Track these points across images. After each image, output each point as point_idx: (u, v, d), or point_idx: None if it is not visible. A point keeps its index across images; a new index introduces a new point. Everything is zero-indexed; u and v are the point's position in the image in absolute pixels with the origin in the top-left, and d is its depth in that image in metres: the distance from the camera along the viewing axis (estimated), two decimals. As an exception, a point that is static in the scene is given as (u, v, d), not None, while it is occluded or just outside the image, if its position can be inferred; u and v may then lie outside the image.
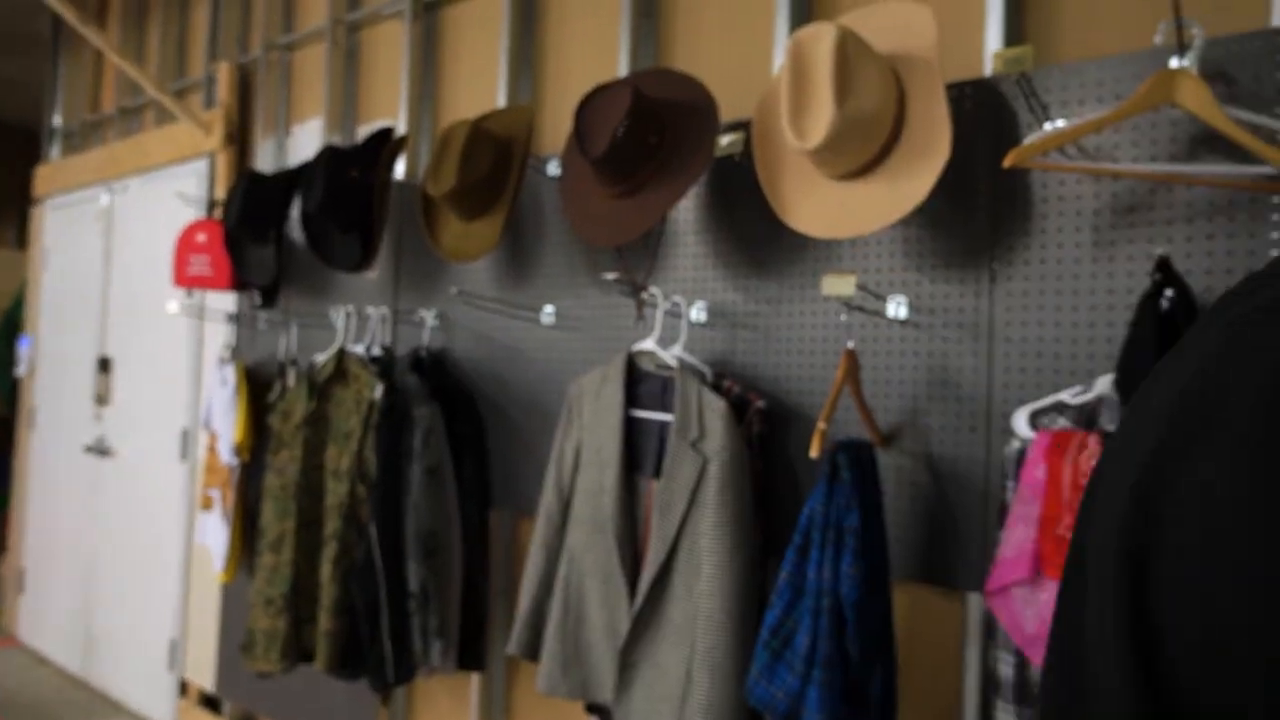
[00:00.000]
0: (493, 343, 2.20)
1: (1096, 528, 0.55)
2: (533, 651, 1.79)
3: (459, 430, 2.15)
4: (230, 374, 2.74)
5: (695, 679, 1.50)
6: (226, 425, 2.70)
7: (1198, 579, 0.40)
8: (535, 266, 2.11)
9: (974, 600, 1.44)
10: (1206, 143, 1.24)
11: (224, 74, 3.18)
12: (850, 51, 1.34)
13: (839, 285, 1.41)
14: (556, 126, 2.18)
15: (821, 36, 1.35)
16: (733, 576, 1.51)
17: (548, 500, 1.80)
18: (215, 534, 2.70)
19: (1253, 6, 1.28)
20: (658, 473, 1.64)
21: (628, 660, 1.62)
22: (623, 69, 2.00)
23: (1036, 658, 1.21)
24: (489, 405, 2.19)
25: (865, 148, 1.39)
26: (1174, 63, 1.20)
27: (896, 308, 1.53)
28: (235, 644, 2.90)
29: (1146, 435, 0.45)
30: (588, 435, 1.75)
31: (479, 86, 2.39)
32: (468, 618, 2.11)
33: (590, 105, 1.69)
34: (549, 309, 2.07)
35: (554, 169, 2.04)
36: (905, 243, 1.53)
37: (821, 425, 1.41)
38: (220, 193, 3.09)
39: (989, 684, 1.32)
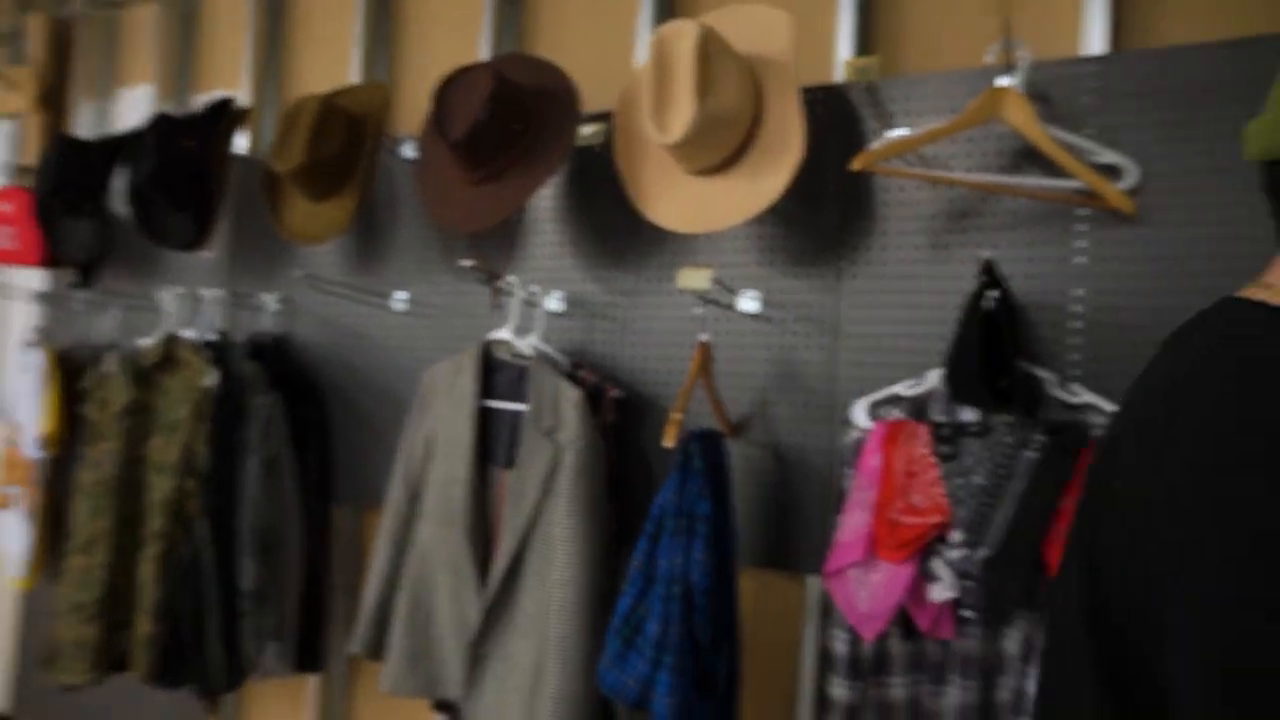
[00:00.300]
0: (340, 329, 2.10)
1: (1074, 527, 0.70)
2: (376, 650, 1.72)
3: (301, 421, 2.04)
4: (36, 359, 2.48)
5: (547, 669, 1.49)
6: (30, 416, 2.45)
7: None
8: (388, 251, 2.04)
9: (814, 582, 1.50)
10: (1028, 157, 1.34)
11: (37, 27, 2.89)
12: (712, 50, 1.37)
13: (695, 279, 1.44)
14: (413, 107, 2.11)
15: (684, 33, 1.37)
16: (585, 565, 1.51)
17: (396, 492, 1.74)
18: (14, 536, 2.44)
19: (1068, 35, 1.41)
20: (511, 463, 1.62)
21: (478, 653, 1.59)
22: (485, 52, 1.97)
23: (869, 634, 1.28)
24: (335, 395, 2.10)
25: (724, 145, 1.43)
26: (1002, 81, 1.30)
27: (749, 302, 1.57)
28: (35, 657, 2.63)
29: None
30: (441, 425, 1.70)
31: (331, 60, 2.28)
32: (307, 617, 2.01)
33: (451, 87, 1.64)
34: (402, 295, 2.00)
35: (409, 151, 1.97)
36: (759, 239, 1.58)
37: (676, 416, 1.43)
38: (30, 158, 2.80)
39: (825, 661, 1.38)
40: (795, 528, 1.51)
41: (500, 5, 1.97)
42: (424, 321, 1.97)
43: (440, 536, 1.66)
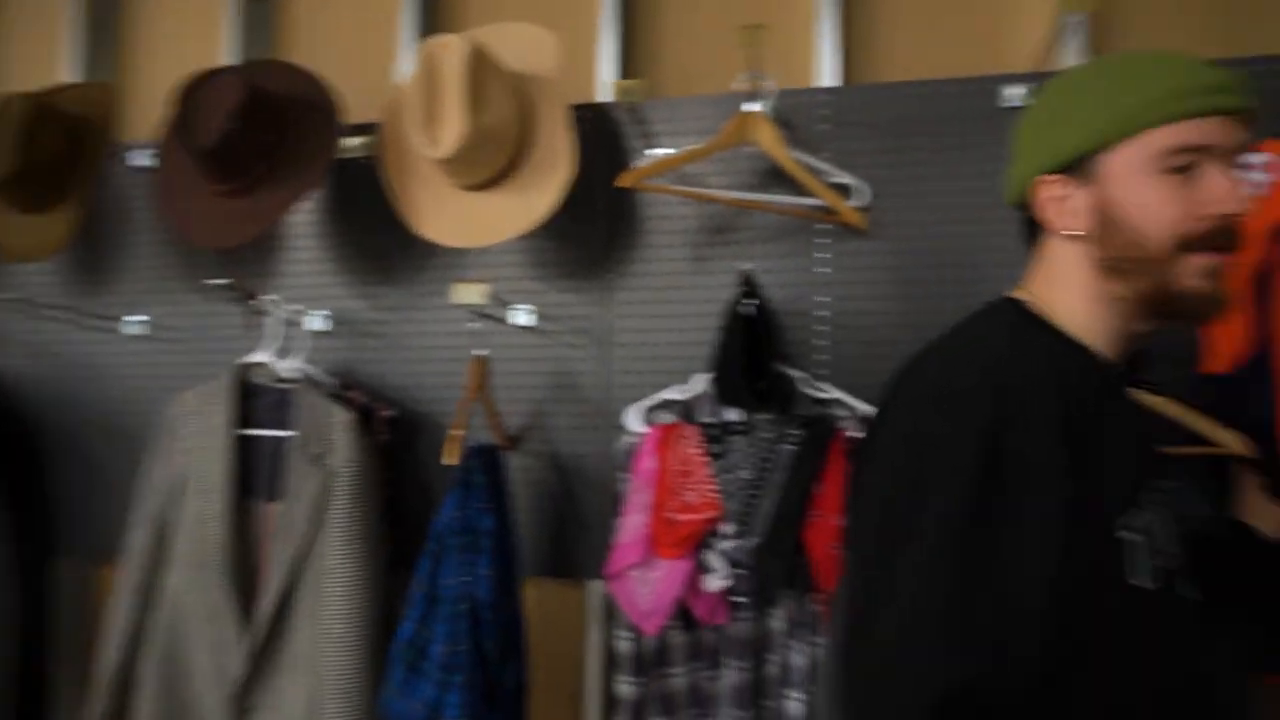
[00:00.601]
0: (59, 359, 1.85)
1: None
2: None
3: (6, 467, 1.77)
4: None
5: (324, 710, 1.40)
6: None
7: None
8: (117, 270, 1.83)
9: (596, 587, 1.53)
10: (776, 176, 1.47)
11: None
12: (481, 65, 1.37)
13: (469, 293, 1.43)
14: (143, 111, 1.92)
15: (453, 48, 1.37)
16: (362, 595, 1.44)
17: (138, 538, 1.56)
18: None
19: (805, 67, 1.57)
20: (275, 495, 1.51)
21: (245, 706, 1.46)
22: (230, 56, 1.83)
23: (651, 629, 1.33)
24: (54, 434, 1.84)
25: (494, 160, 1.44)
26: (751, 107, 1.42)
27: (523, 316, 1.58)
28: None
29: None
30: (192, 459, 1.55)
31: (41, 55, 2.02)
32: (24, 692, 1.74)
33: (196, 92, 1.52)
34: (136, 319, 1.80)
35: (141, 159, 1.79)
36: (531, 253, 1.60)
37: (456, 433, 1.41)
38: None
39: (611, 661, 1.41)
40: (576, 535, 1.53)
41: (247, 4, 1.85)
42: (165, 347, 1.78)
43: (194, 582, 1.51)
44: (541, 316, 1.58)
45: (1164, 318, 0.80)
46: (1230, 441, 1.14)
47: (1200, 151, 0.75)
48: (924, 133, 1.46)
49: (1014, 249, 1.39)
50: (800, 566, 1.33)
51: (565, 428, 1.56)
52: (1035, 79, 1.41)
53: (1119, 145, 0.77)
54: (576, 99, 1.60)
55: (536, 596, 1.58)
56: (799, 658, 1.39)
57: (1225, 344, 1.25)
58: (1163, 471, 0.81)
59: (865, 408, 1.36)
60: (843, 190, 1.46)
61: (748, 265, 1.37)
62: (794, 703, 1.35)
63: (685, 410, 1.43)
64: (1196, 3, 1.50)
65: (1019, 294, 0.87)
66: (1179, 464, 0.90)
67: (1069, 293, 0.83)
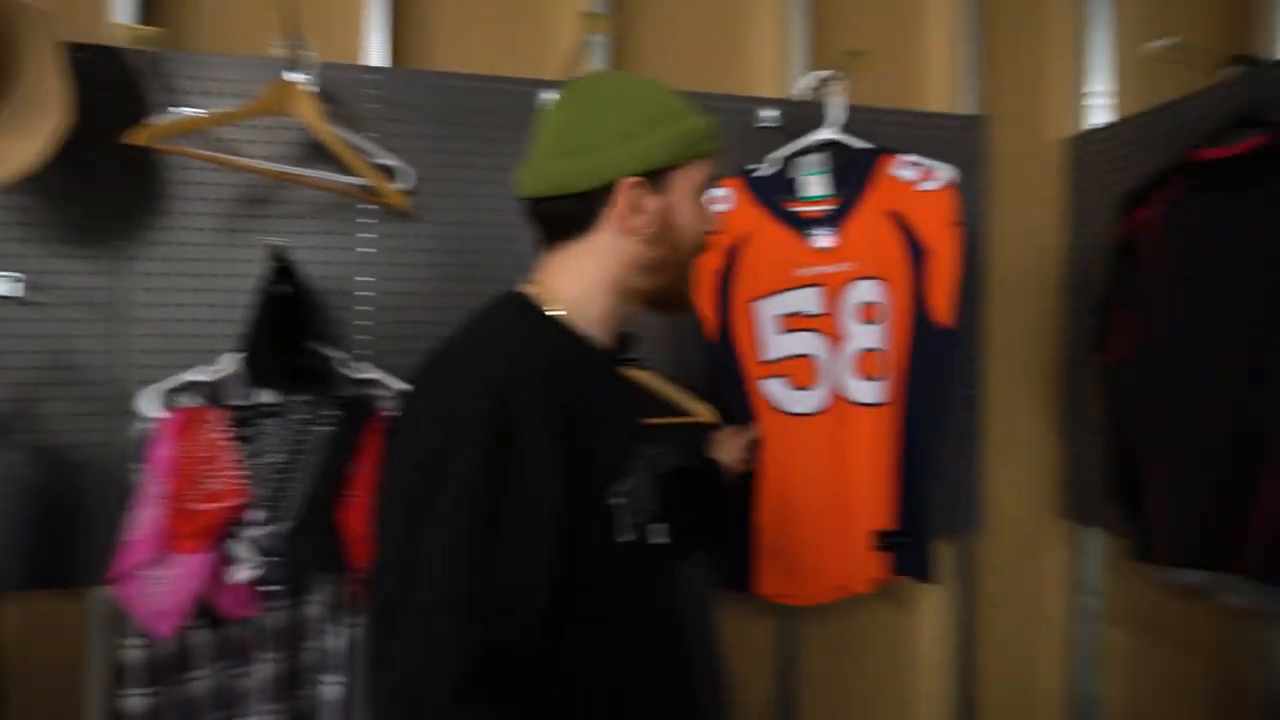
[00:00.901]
0: None
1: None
2: None
3: None
4: None
5: None
6: None
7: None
8: None
9: (101, 594, 1.36)
10: (320, 151, 1.42)
11: None
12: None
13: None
14: None
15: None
16: None
17: None
18: None
19: (353, 44, 1.54)
20: None
21: None
22: None
23: (166, 631, 1.22)
24: None
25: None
26: (293, 76, 1.36)
27: (7, 284, 1.34)
28: None
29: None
30: None
31: None
32: None
33: None
34: None
35: None
36: (19, 213, 1.36)
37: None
38: None
39: (118, 674, 1.27)
40: (75, 538, 1.34)
41: None
42: None
43: None
44: (32, 286, 1.35)
45: (657, 307, 0.98)
46: (699, 410, 1.40)
47: (711, 181, 0.96)
48: (470, 124, 1.52)
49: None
50: (336, 547, 1.31)
51: (62, 415, 1.35)
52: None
53: (686, 165, 0.92)
54: (87, 38, 1.39)
55: (22, 615, 1.35)
56: (338, 641, 1.37)
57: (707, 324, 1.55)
58: (647, 438, 0.94)
59: (405, 388, 1.38)
60: (388, 172, 1.46)
61: (279, 240, 1.31)
62: (330, 688, 1.33)
63: (212, 392, 1.33)
64: (696, 40, 1.77)
65: (528, 288, 0.94)
66: (664, 429, 1.08)
67: (587, 283, 0.92)
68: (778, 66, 1.79)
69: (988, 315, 1.89)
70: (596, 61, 1.62)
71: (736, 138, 1.62)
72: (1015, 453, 1.95)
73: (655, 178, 0.90)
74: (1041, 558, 1.98)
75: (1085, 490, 1.85)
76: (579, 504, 0.80)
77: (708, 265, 1.53)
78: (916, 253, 1.57)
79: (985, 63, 1.93)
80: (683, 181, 0.92)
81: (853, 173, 1.59)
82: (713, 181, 0.96)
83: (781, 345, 1.56)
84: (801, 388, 1.56)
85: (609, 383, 0.94)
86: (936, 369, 1.58)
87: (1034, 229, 1.97)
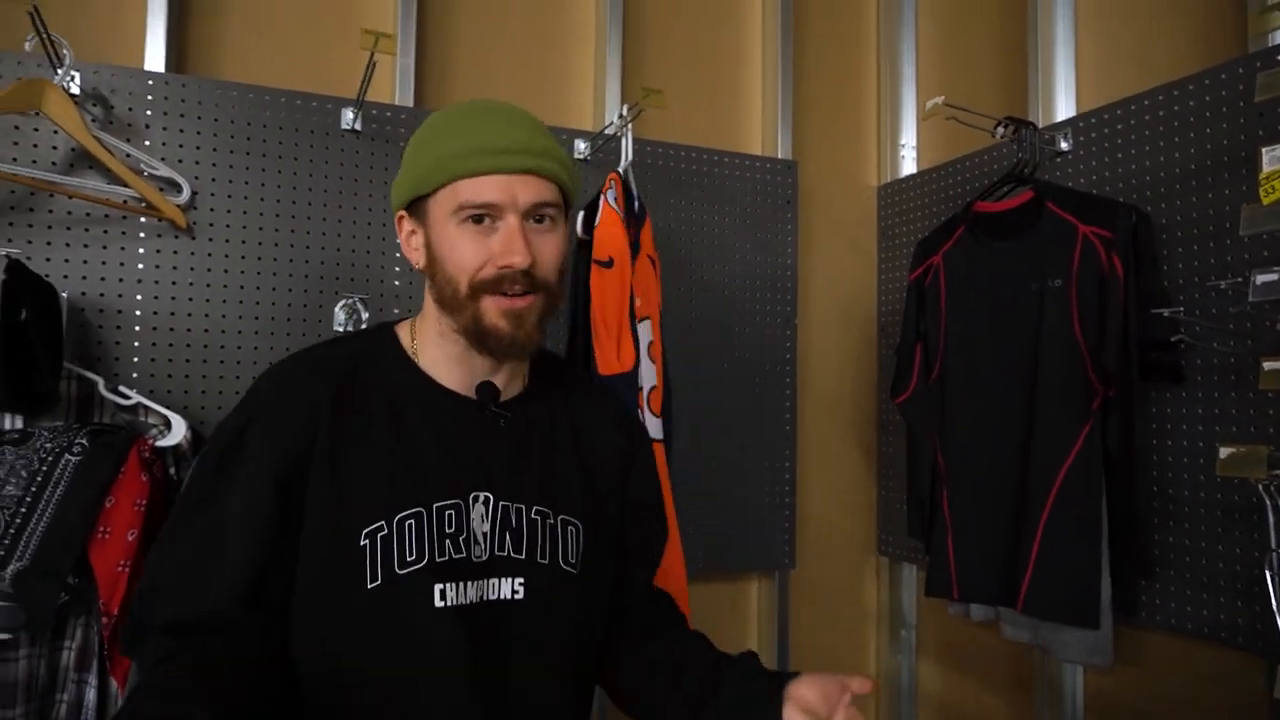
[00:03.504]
0: None
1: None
2: None
3: None
4: None
5: None
6: None
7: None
8: None
9: None
10: (90, 159, 1.32)
11: None
12: None
13: None
14: None
15: None
16: None
17: None
18: None
19: (133, 47, 1.44)
20: None
21: None
22: None
23: None
24: None
25: None
26: (53, 76, 1.25)
27: None
28: None
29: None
30: None
31: None
32: None
33: None
34: None
35: None
36: None
37: None
38: None
39: None
40: None
41: None
42: None
43: None
44: None
45: (485, 352, 0.85)
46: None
47: (486, 208, 0.81)
48: (262, 138, 1.45)
49: (352, 264, 1.47)
50: (83, 591, 1.20)
51: None
52: (371, 106, 1.51)
53: (436, 193, 0.84)
54: None
55: None
56: (91, 692, 1.25)
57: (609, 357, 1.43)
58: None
59: (174, 415, 1.29)
60: (167, 185, 1.37)
61: (15, 253, 1.19)
62: (81, 744, 1.21)
63: (-56, 417, 1.20)
64: (508, 68, 1.76)
65: (404, 322, 0.94)
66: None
67: (427, 322, 0.90)
68: (596, 100, 1.80)
69: (803, 355, 1.95)
70: (401, 86, 1.58)
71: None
72: (831, 489, 2.00)
73: (415, 207, 0.87)
74: (859, 592, 2.04)
75: (899, 526, 1.92)
76: (314, 521, 0.80)
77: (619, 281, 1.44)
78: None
79: (806, 110, 2.01)
80: (435, 208, 0.84)
81: (637, 213, 1.54)
82: (482, 209, 0.82)
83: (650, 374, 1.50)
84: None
85: (442, 425, 0.87)
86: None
87: (848, 271, 2.05)
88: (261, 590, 0.78)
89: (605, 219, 1.43)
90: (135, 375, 1.36)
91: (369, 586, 0.80)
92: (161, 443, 1.28)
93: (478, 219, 0.82)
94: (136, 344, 1.37)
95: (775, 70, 1.93)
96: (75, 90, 1.30)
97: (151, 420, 1.30)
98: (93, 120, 1.33)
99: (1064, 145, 1.52)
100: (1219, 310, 1.27)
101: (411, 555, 0.81)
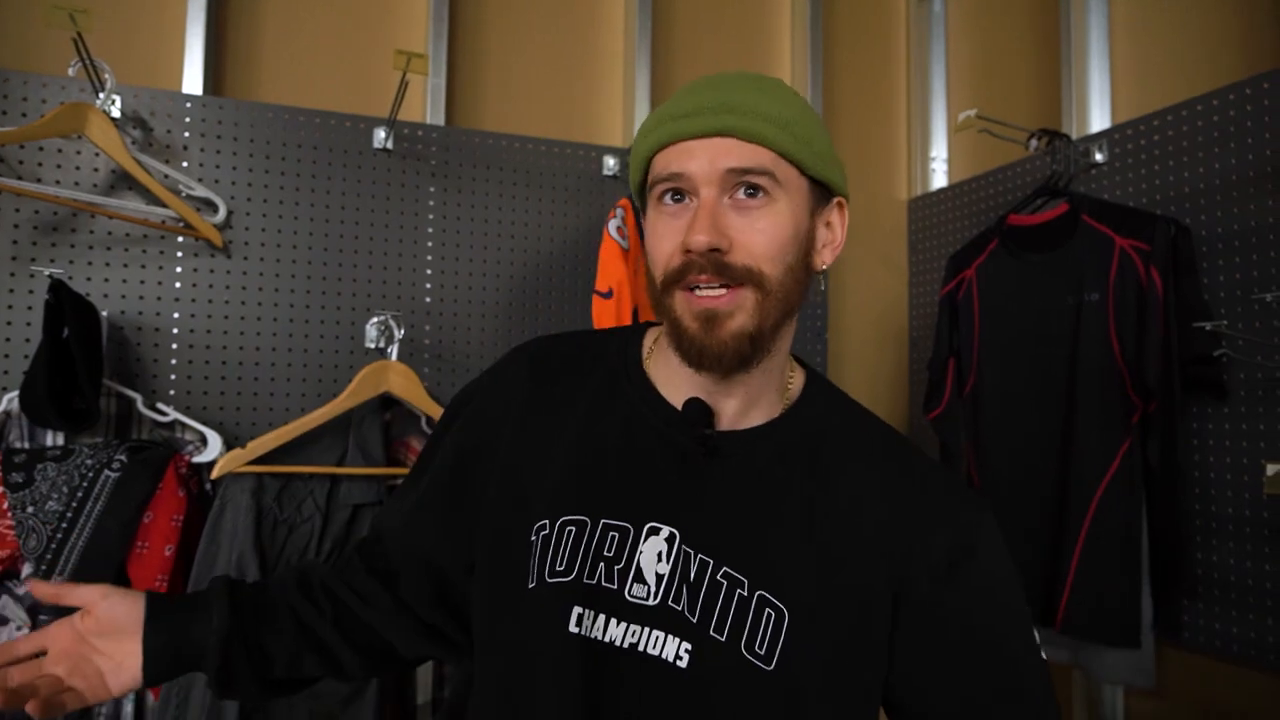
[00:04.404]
0: None
1: None
2: None
3: None
4: None
5: None
6: None
7: None
8: None
9: None
10: (130, 180, 1.34)
11: None
12: None
13: None
14: None
15: None
16: None
17: None
18: None
19: (171, 71, 1.47)
20: None
21: None
22: None
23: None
24: None
25: None
26: (95, 100, 1.28)
27: None
28: None
29: None
30: None
31: None
32: None
33: None
34: None
35: None
36: None
37: None
38: None
39: None
40: None
41: None
42: None
43: None
44: None
45: (687, 361, 0.68)
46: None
47: (674, 180, 0.67)
48: (296, 157, 1.47)
49: (384, 281, 1.48)
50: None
51: None
52: (402, 125, 1.53)
53: (645, 178, 0.72)
54: None
55: None
56: (129, 705, 1.27)
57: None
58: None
59: (209, 431, 1.30)
60: (203, 204, 1.40)
61: (58, 273, 1.22)
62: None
63: (-11, 433, 1.23)
64: (538, 87, 1.78)
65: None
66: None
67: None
68: (625, 118, 1.81)
69: (834, 369, 1.93)
70: (432, 106, 1.60)
71: (590, 184, 1.67)
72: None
73: (640, 193, 0.75)
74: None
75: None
76: (491, 513, 0.76)
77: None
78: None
79: (835, 124, 2.00)
80: (649, 195, 0.71)
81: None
82: (670, 182, 0.67)
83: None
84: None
85: (639, 438, 0.73)
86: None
87: (879, 286, 2.03)
88: (417, 542, 0.80)
89: (605, 249, 1.43)
90: (172, 392, 1.38)
91: (529, 587, 0.70)
92: (198, 459, 1.30)
93: (676, 196, 0.68)
94: (173, 361, 1.39)
95: (805, 84, 1.92)
96: (116, 113, 1.33)
97: (188, 437, 1.32)
98: (133, 142, 1.36)
99: (1099, 157, 1.50)
100: (1263, 324, 1.24)
101: (561, 565, 0.70)
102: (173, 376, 1.39)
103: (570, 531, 0.70)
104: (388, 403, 1.41)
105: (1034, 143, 1.47)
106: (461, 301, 1.57)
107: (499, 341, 1.60)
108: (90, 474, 1.22)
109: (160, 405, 1.32)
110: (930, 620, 0.68)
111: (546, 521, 0.71)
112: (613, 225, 1.44)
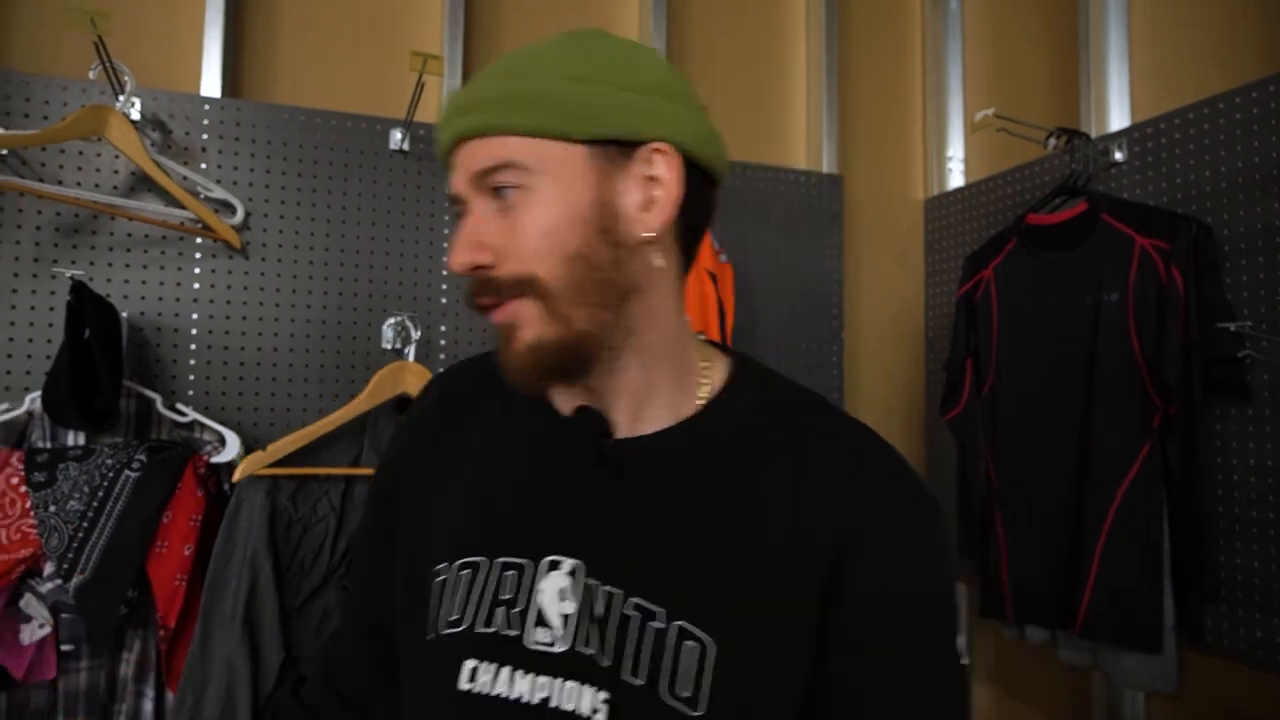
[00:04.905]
0: None
1: None
2: None
3: None
4: None
5: None
6: None
7: None
8: None
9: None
10: (148, 182, 1.35)
11: None
12: None
13: None
14: None
15: None
16: None
17: None
18: None
19: (189, 73, 1.48)
20: None
21: None
22: None
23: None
24: None
25: None
26: (115, 103, 1.29)
27: None
28: None
29: None
30: None
31: None
32: None
33: None
34: None
35: None
36: None
37: None
38: None
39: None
40: None
41: None
42: None
43: None
44: None
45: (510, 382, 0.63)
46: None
47: (453, 199, 0.62)
48: (313, 159, 1.48)
49: (400, 282, 1.48)
50: (141, 604, 1.23)
51: None
52: (418, 126, 1.53)
53: None
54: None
55: None
56: (149, 703, 1.28)
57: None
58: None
59: (228, 432, 1.31)
60: (221, 206, 1.41)
61: (79, 274, 1.23)
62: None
63: (13, 433, 1.24)
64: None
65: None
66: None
67: None
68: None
69: (850, 369, 1.92)
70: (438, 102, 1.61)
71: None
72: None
73: None
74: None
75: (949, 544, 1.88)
76: (401, 553, 0.70)
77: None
78: (721, 314, 1.58)
79: (851, 123, 2.00)
80: None
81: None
82: (450, 199, 0.63)
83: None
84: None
85: (536, 456, 0.66)
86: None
87: (895, 286, 2.03)
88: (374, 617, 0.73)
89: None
90: (191, 393, 1.39)
91: (426, 640, 0.63)
92: (216, 459, 1.31)
93: (460, 212, 0.62)
94: (192, 362, 1.40)
95: (820, 83, 1.92)
96: (136, 116, 1.34)
97: (206, 437, 1.33)
98: (152, 144, 1.37)
99: (1118, 156, 1.48)
100: (1287, 324, 1.23)
101: (455, 614, 0.62)
102: (191, 377, 1.40)
103: (464, 575, 0.62)
104: (403, 404, 1.41)
105: (1053, 141, 1.46)
106: (477, 302, 1.57)
107: (514, 342, 1.59)
108: (111, 474, 1.23)
109: (179, 405, 1.32)
110: (847, 611, 0.57)
111: (445, 565, 0.64)
112: None
